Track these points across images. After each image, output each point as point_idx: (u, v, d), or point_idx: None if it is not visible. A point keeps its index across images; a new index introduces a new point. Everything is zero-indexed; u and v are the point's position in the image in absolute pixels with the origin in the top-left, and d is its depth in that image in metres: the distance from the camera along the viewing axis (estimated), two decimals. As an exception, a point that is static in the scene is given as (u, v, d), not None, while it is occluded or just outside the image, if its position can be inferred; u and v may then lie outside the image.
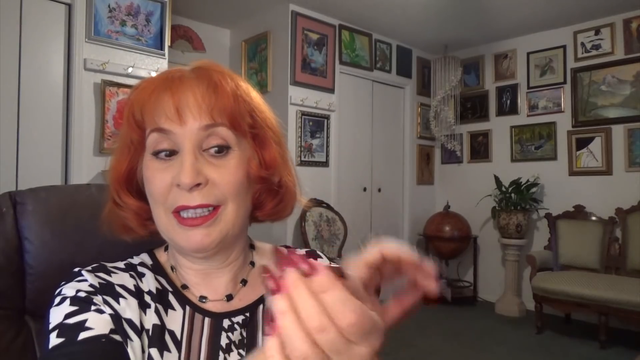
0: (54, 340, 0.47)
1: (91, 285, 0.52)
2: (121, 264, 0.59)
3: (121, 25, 2.81)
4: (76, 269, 0.55)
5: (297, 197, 0.64)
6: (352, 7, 3.81)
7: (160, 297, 0.57)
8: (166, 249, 0.63)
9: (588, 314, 3.50)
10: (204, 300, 0.59)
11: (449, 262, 4.65)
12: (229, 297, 0.60)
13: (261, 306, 0.61)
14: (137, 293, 0.55)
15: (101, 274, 0.55)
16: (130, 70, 2.79)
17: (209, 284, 0.60)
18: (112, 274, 0.56)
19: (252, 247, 0.67)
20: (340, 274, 0.31)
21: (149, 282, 0.58)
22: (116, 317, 0.50)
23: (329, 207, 3.89)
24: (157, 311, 0.55)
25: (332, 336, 0.28)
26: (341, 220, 3.91)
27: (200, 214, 0.53)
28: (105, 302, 0.51)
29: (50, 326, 0.48)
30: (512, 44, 4.49)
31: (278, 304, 0.29)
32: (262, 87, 3.86)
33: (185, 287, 0.59)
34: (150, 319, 0.54)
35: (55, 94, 2.64)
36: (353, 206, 4.22)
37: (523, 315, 4.04)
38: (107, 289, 0.53)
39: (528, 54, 4.37)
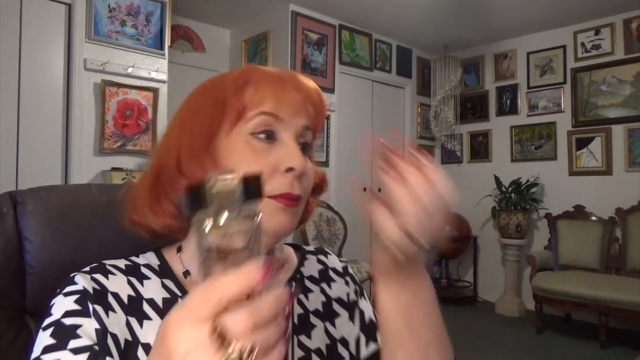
0: None
1: (79, 299, 0.50)
2: (122, 264, 0.56)
3: (121, 25, 2.81)
4: (72, 274, 0.52)
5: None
6: (352, 7, 3.81)
7: (169, 308, 0.55)
8: (178, 250, 0.60)
9: (588, 314, 3.50)
10: None
11: (449, 262, 4.65)
12: None
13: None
14: (132, 304, 0.53)
15: (98, 276, 0.53)
16: (130, 70, 2.79)
17: None
18: (109, 276, 0.53)
19: None
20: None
21: (153, 289, 0.55)
22: (102, 332, 0.49)
23: (329, 207, 3.89)
24: None
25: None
26: (341, 220, 3.92)
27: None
28: (95, 314, 0.49)
29: (32, 355, 0.47)
30: (512, 44, 4.49)
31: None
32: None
33: None
34: (150, 334, 0.51)
35: (55, 94, 2.64)
36: (353, 206, 4.22)
37: (523, 315, 4.04)
38: (99, 297, 0.51)
39: (528, 54, 4.37)
